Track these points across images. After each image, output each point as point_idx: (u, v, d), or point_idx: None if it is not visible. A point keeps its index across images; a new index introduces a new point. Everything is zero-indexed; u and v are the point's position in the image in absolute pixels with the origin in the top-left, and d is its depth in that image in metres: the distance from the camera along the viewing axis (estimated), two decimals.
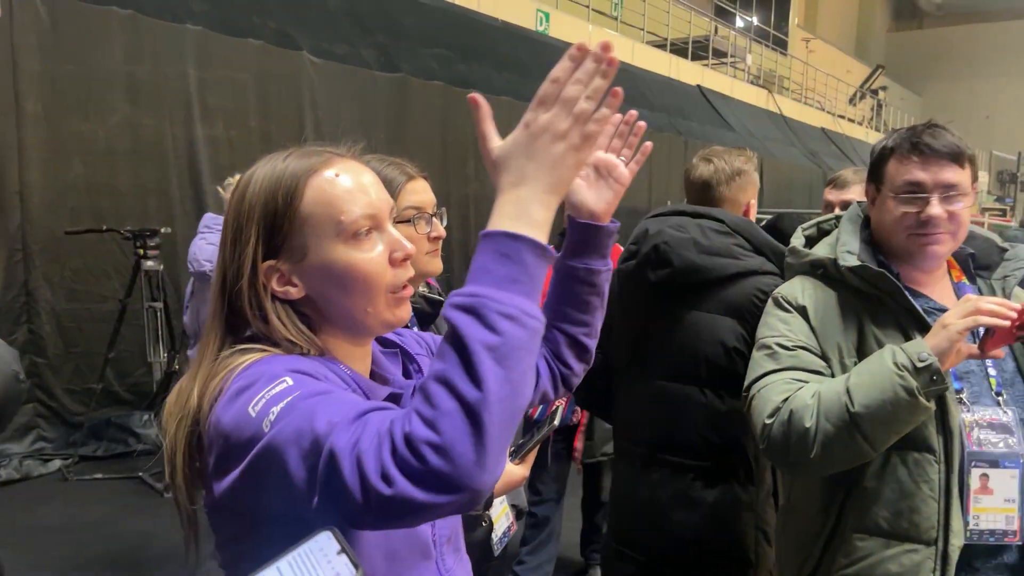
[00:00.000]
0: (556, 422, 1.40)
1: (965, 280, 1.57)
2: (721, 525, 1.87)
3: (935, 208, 1.42)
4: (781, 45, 20.56)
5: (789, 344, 1.49)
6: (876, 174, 1.53)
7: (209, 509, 0.87)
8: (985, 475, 1.38)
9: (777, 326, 1.52)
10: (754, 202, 2.09)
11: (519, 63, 8.97)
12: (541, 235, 0.75)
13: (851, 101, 23.67)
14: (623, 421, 2.10)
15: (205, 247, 3.18)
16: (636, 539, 1.97)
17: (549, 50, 9.81)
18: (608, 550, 2.08)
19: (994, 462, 1.38)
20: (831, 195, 2.61)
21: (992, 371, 1.46)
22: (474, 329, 0.70)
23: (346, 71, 6.48)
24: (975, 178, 1.48)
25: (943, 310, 1.46)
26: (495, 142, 0.80)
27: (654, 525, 1.91)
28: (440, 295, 1.59)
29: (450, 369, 0.69)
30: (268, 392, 0.79)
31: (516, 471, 1.42)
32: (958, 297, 1.53)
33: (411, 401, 0.71)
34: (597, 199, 1.09)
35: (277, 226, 0.91)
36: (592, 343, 1.16)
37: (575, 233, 1.11)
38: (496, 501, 1.55)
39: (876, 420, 1.31)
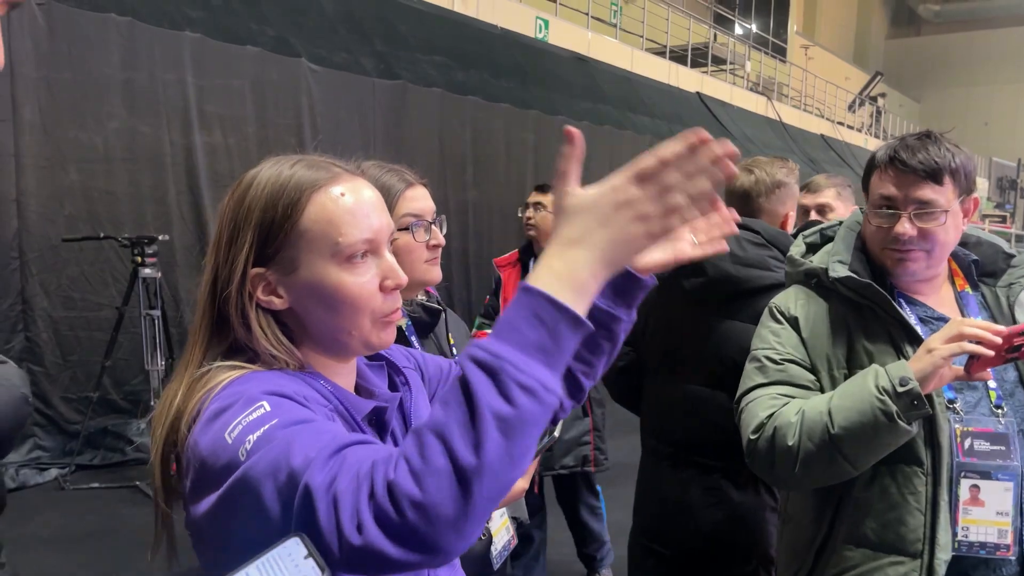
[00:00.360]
0: (557, 433, 1.38)
1: (968, 288, 1.55)
2: (745, 524, 1.95)
3: (903, 225, 1.41)
4: (780, 52, 20.59)
5: (778, 357, 1.49)
6: (865, 185, 1.53)
7: (188, 527, 0.85)
8: (976, 487, 1.37)
9: (768, 338, 1.53)
10: (792, 214, 2.13)
11: (518, 70, 8.96)
12: (583, 305, 0.70)
13: (850, 108, 23.69)
14: (653, 420, 2.16)
15: None
16: (664, 534, 2.05)
17: (548, 57, 9.82)
18: (636, 545, 2.15)
19: (986, 473, 1.37)
20: (806, 199, 2.66)
21: (992, 382, 1.44)
22: (488, 394, 0.65)
23: (344, 78, 6.46)
24: (965, 191, 1.45)
25: (942, 319, 1.45)
26: (574, 188, 0.75)
27: (681, 522, 1.99)
28: (439, 304, 1.56)
29: (452, 425, 0.65)
30: (245, 418, 0.76)
31: (516, 484, 1.40)
32: (959, 305, 1.52)
33: (403, 442, 0.68)
34: (650, 254, 1.01)
35: (273, 235, 0.88)
36: (588, 384, 1.12)
37: (621, 280, 1.03)
38: (496, 514, 1.52)
39: (856, 442, 1.32)
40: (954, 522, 1.36)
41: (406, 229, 1.39)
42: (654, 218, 0.71)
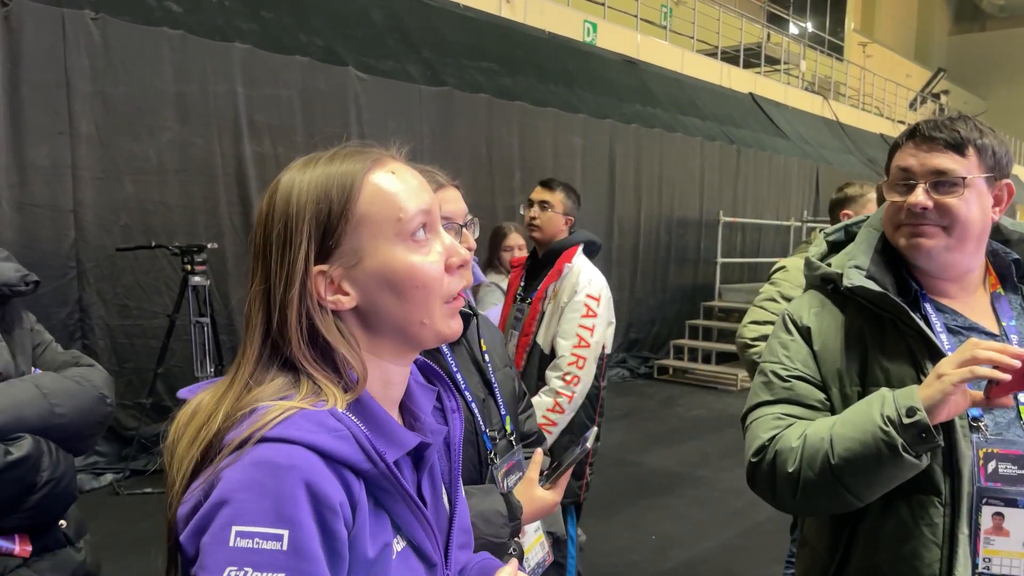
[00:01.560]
0: (589, 445, 1.32)
1: (1001, 290, 1.41)
2: None
3: (917, 195, 1.29)
4: (837, 50, 20.10)
5: (785, 373, 1.38)
6: (887, 170, 1.41)
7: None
8: (999, 515, 1.24)
9: (777, 351, 1.42)
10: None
11: (566, 74, 8.91)
12: None
13: (912, 106, 23.01)
14: None
15: None
16: None
17: (596, 61, 9.74)
18: None
19: (1011, 501, 1.24)
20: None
21: None
22: None
23: (391, 86, 6.50)
24: (994, 172, 1.32)
25: (974, 328, 1.32)
26: None
27: None
28: (471, 308, 1.51)
29: None
30: (257, 539, 0.70)
31: (547, 496, 1.34)
32: (995, 311, 1.38)
33: None
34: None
35: (331, 227, 0.84)
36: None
37: None
38: (530, 528, 1.47)
39: (857, 474, 1.21)
40: (975, 552, 1.24)
41: None
42: None
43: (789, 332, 1.43)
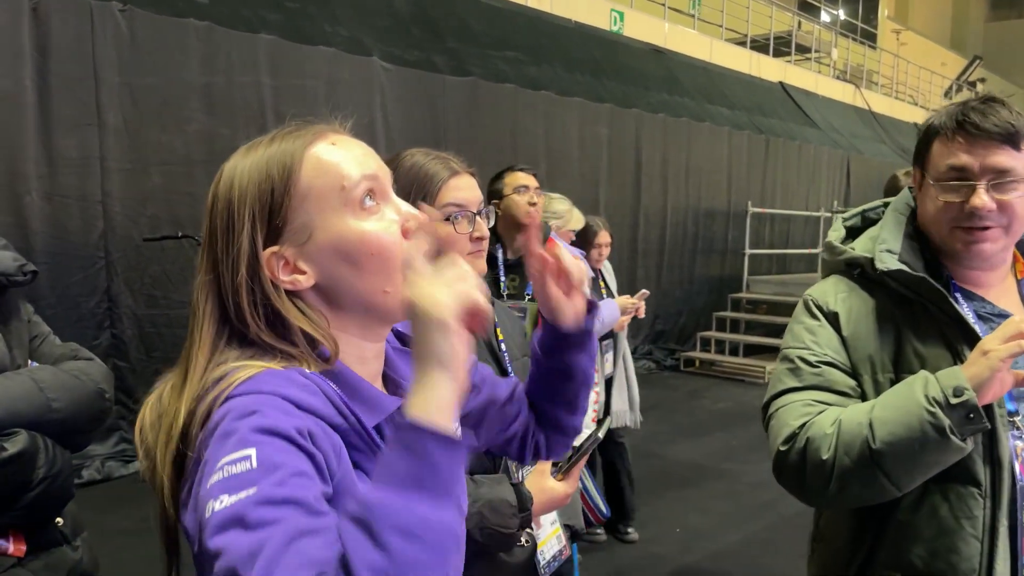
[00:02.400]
0: (601, 434, 1.29)
1: None
2: None
3: (980, 197, 1.22)
4: (870, 38, 19.74)
5: (813, 359, 1.32)
6: (920, 157, 1.33)
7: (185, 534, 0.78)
8: None
9: (803, 336, 1.35)
10: None
11: (592, 63, 8.83)
12: (453, 423, 0.68)
13: (947, 94, 22.54)
14: None
15: None
16: None
17: (623, 50, 9.65)
18: None
19: None
20: None
21: None
22: (361, 548, 0.61)
23: (416, 76, 6.48)
24: None
25: (1003, 315, 1.27)
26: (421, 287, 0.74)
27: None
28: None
29: None
30: (228, 465, 0.68)
31: (559, 488, 1.32)
32: (1021, 296, 1.33)
33: None
34: (570, 312, 1.03)
35: (276, 205, 0.82)
36: (578, 419, 1.13)
37: (551, 336, 1.06)
38: (546, 520, 1.44)
39: (900, 459, 1.15)
40: (1018, 551, 1.19)
41: (447, 219, 1.32)
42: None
43: (815, 317, 1.36)
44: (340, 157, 0.84)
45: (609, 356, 3.88)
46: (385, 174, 0.88)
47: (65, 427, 1.34)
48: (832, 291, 1.38)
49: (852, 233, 1.46)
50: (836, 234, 1.46)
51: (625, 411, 4.00)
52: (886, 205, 1.45)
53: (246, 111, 5.38)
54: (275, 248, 0.83)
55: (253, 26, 5.50)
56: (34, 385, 1.32)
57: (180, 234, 4.75)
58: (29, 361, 1.43)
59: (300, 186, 0.82)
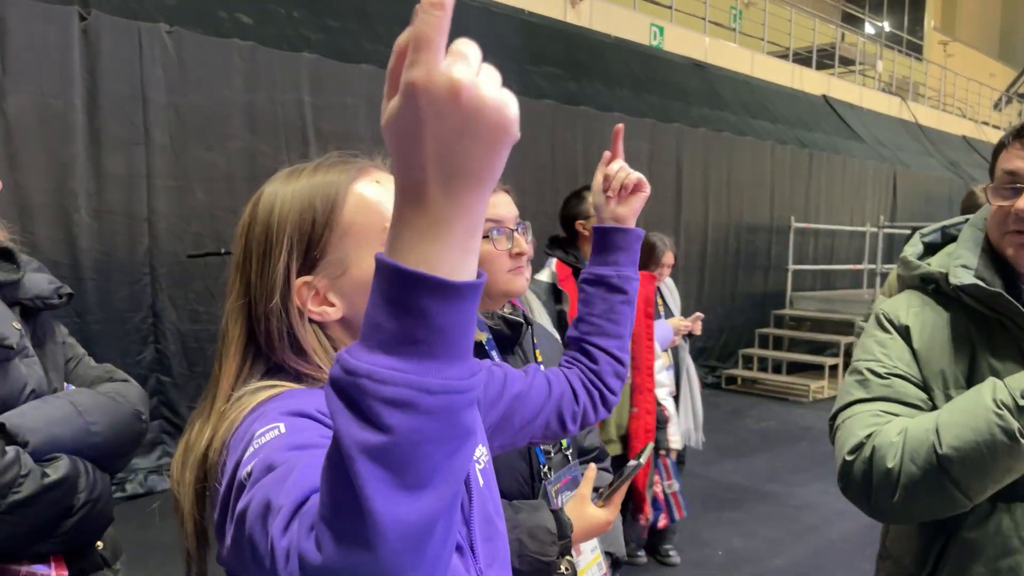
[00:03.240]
0: (643, 460, 1.25)
1: None
2: None
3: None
4: (916, 50, 19.39)
5: (883, 371, 1.29)
6: (991, 170, 1.33)
7: (219, 563, 0.77)
8: None
9: (873, 349, 1.33)
10: None
11: (632, 78, 8.79)
12: (452, 253, 0.52)
13: (996, 106, 22.02)
14: None
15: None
16: None
17: (663, 64, 9.59)
18: None
19: None
20: None
21: None
22: (350, 427, 0.50)
23: None
24: None
25: None
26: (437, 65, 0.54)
27: None
28: (524, 318, 1.46)
29: (328, 476, 0.52)
30: (258, 438, 0.68)
31: (600, 515, 1.28)
32: None
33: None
34: (624, 207, 1.18)
35: (316, 237, 0.82)
36: (626, 357, 1.19)
37: (603, 239, 1.16)
38: (586, 548, 1.40)
39: (968, 465, 1.11)
40: None
41: (485, 237, 1.29)
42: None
43: (886, 330, 1.35)
44: (384, 197, 0.84)
45: (668, 375, 3.81)
46: None
47: (104, 450, 1.34)
48: (904, 305, 1.36)
49: (931, 249, 1.45)
50: (913, 249, 1.45)
51: (690, 430, 3.92)
52: (967, 222, 1.42)
53: (288, 129, 5.44)
54: (308, 278, 0.83)
55: (295, 45, 5.58)
56: (73, 409, 1.31)
57: (223, 250, 4.81)
58: (65, 384, 1.43)
59: (342, 221, 0.83)
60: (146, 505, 4.47)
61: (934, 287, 1.35)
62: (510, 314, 1.39)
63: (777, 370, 8.90)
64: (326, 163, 0.88)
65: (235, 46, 5.20)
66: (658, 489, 3.68)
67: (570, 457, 1.46)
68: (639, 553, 3.95)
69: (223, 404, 0.80)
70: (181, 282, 4.99)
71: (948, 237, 1.44)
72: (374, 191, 0.85)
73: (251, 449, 0.68)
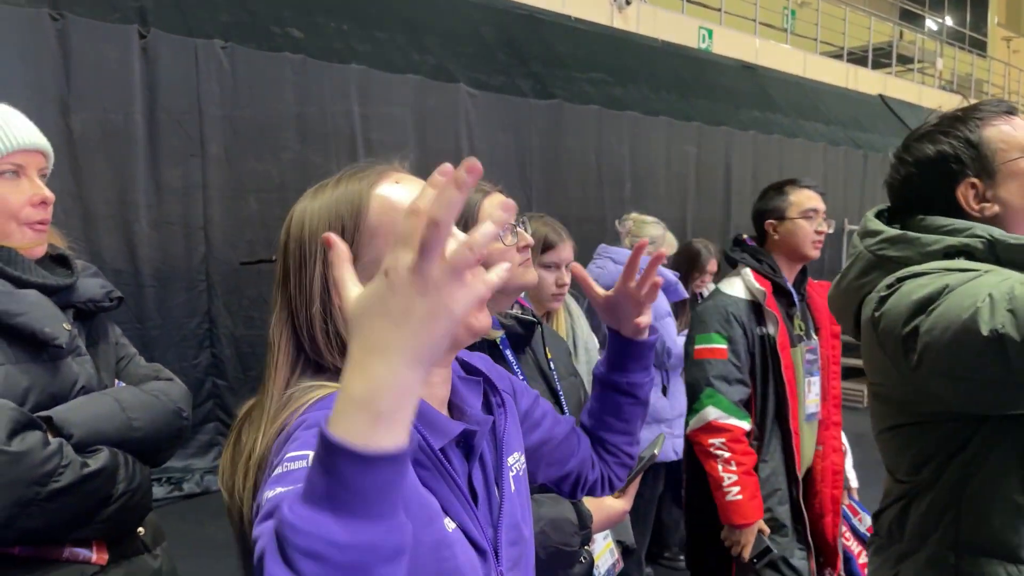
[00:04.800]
0: (657, 451, 1.29)
1: None
2: None
3: None
4: (979, 47, 18.82)
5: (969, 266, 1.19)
6: None
7: None
8: None
9: (960, 275, 1.18)
10: None
11: (679, 82, 8.75)
12: (388, 428, 0.56)
13: None
14: None
15: (593, 269, 3.36)
16: None
17: (711, 67, 9.53)
18: None
19: None
20: None
21: None
22: (273, 561, 0.56)
23: (501, 100, 6.59)
24: None
25: None
26: (351, 292, 0.63)
27: None
28: (534, 317, 1.51)
29: None
30: (287, 462, 0.72)
31: (616, 504, 1.32)
32: None
33: None
34: (643, 318, 1.13)
35: (346, 241, 0.85)
36: (635, 450, 1.20)
37: (617, 346, 1.15)
38: (599, 537, 1.44)
39: None
40: None
41: None
42: (447, 286, 0.57)
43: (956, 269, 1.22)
44: (406, 195, 0.88)
45: None
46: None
47: (144, 445, 1.41)
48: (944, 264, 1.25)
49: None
50: (891, 230, 1.36)
51: None
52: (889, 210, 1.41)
53: (337, 138, 5.59)
54: None
55: (344, 57, 5.73)
56: (116, 405, 1.39)
57: (275, 258, 4.96)
58: (116, 381, 1.51)
59: (369, 223, 0.87)
60: (202, 503, 4.63)
61: (962, 260, 1.24)
62: (521, 314, 1.45)
63: None
64: (347, 174, 0.93)
65: (287, 60, 5.36)
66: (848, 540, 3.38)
67: None
68: (681, 557, 3.94)
69: (275, 407, 0.85)
70: (235, 289, 5.16)
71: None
72: (396, 191, 0.89)
73: (280, 468, 0.72)
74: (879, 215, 1.46)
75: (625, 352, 1.15)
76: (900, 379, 1.27)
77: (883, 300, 1.26)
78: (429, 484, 0.84)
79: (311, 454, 0.66)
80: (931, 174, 1.37)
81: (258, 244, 5.22)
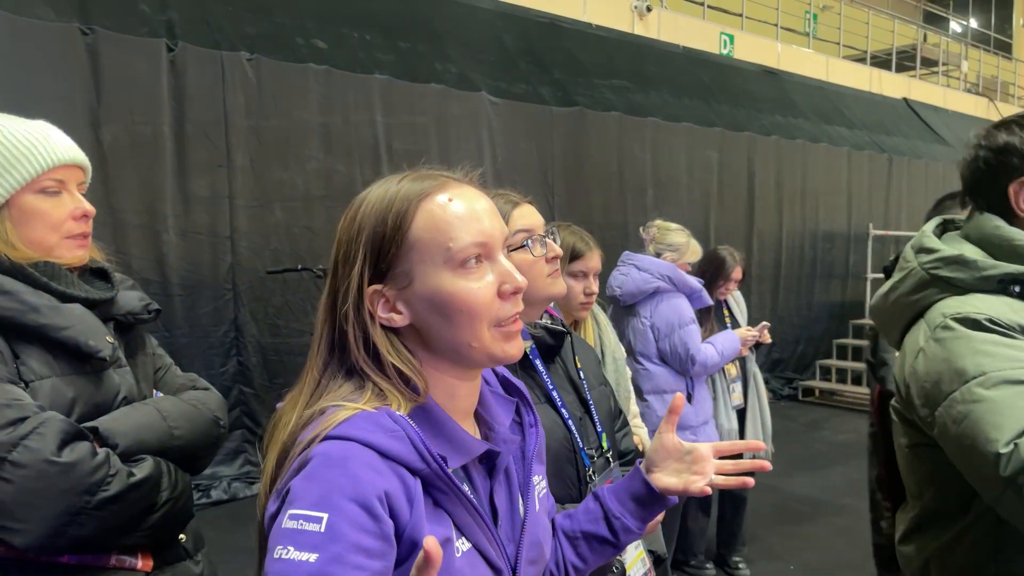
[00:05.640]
0: None
1: None
2: None
3: None
4: (1004, 49, 18.58)
5: None
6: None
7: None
8: None
9: (1006, 353, 1.16)
10: None
11: (701, 88, 8.73)
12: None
13: None
14: None
15: (617, 276, 3.38)
16: None
17: (733, 72, 9.50)
18: None
19: None
20: None
21: None
22: None
23: (523, 108, 6.61)
24: None
25: None
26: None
27: None
28: (563, 326, 1.52)
29: None
30: (302, 521, 0.75)
31: None
32: None
33: None
34: (676, 481, 1.09)
35: (384, 250, 0.88)
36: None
37: (638, 487, 1.09)
38: (630, 546, 1.45)
39: None
40: None
41: (522, 247, 1.37)
42: None
43: (1006, 334, 1.20)
44: (454, 218, 0.88)
45: (737, 386, 3.80)
46: (500, 235, 0.92)
47: (185, 453, 1.44)
48: (993, 305, 1.23)
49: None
50: (956, 245, 1.33)
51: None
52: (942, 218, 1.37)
53: (361, 148, 5.64)
54: (378, 286, 0.89)
55: (367, 68, 5.78)
56: (158, 414, 1.42)
57: (300, 267, 5.02)
58: (154, 391, 1.54)
59: (409, 237, 0.88)
60: (230, 510, 4.67)
61: (1020, 290, 1.23)
62: (551, 324, 1.46)
63: (856, 381, 8.65)
64: (411, 175, 0.93)
65: (311, 71, 5.42)
66: None
67: (611, 459, 1.52)
68: (707, 565, 3.93)
69: (310, 395, 0.89)
70: (261, 297, 5.21)
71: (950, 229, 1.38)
72: (443, 210, 0.89)
73: (294, 523, 0.75)
74: (937, 228, 1.44)
75: (640, 496, 1.09)
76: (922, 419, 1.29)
77: (928, 341, 1.28)
78: (444, 505, 0.86)
79: (325, 517, 0.74)
80: (993, 162, 1.35)
81: (283, 253, 5.27)
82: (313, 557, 0.72)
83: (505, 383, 1.05)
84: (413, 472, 0.82)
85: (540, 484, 1.03)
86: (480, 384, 0.97)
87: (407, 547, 0.79)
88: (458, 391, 0.93)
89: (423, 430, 0.86)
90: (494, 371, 1.05)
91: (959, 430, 1.16)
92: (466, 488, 0.88)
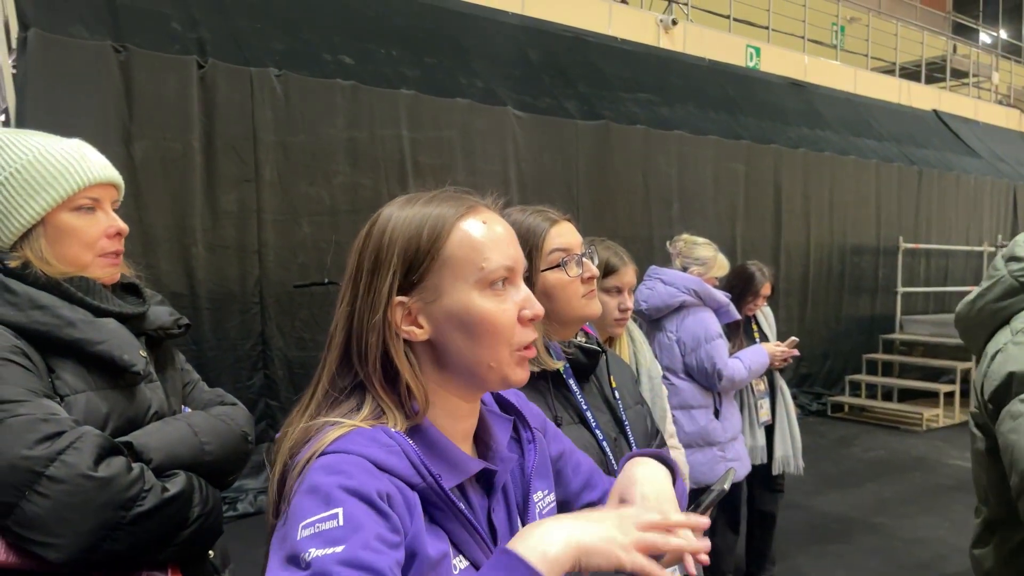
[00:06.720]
0: (727, 486, 1.25)
1: None
2: None
3: None
4: None
5: None
6: None
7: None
8: None
9: None
10: None
11: (727, 101, 8.70)
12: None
13: None
14: None
15: (643, 290, 3.38)
16: None
17: (759, 85, 9.46)
18: None
19: None
20: None
21: None
22: None
23: (548, 122, 6.62)
24: None
25: None
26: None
27: None
28: (599, 344, 1.50)
29: None
30: (318, 522, 0.76)
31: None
32: None
33: None
34: None
35: (417, 263, 0.89)
36: None
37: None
38: (667, 571, 1.41)
39: None
40: None
41: (557, 266, 1.35)
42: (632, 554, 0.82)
43: None
44: (488, 239, 0.90)
45: (765, 402, 3.75)
46: (523, 262, 0.94)
47: (215, 468, 1.43)
48: None
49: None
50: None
51: (788, 457, 3.84)
52: None
53: (387, 163, 5.67)
54: (403, 299, 0.89)
55: (393, 83, 5.82)
56: (189, 430, 1.42)
57: (327, 280, 5.06)
58: (182, 406, 1.55)
59: (444, 253, 0.89)
60: (256, 524, 4.68)
61: None
62: (585, 343, 1.44)
63: (887, 397, 8.51)
64: (441, 195, 0.94)
65: (338, 86, 5.47)
66: None
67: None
68: None
69: (314, 407, 0.91)
70: (288, 311, 5.25)
71: None
72: (479, 231, 0.90)
73: (308, 530, 0.75)
74: None
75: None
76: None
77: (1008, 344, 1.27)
78: (441, 523, 0.86)
79: (340, 512, 0.75)
80: None
81: (310, 267, 5.31)
82: (340, 549, 0.73)
83: (500, 401, 1.06)
84: (411, 487, 0.83)
85: (544, 500, 1.02)
86: (479, 407, 0.98)
87: (407, 557, 0.79)
88: (460, 411, 0.94)
89: (419, 448, 0.87)
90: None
91: (1015, 452, 1.17)
92: (462, 505, 0.88)
